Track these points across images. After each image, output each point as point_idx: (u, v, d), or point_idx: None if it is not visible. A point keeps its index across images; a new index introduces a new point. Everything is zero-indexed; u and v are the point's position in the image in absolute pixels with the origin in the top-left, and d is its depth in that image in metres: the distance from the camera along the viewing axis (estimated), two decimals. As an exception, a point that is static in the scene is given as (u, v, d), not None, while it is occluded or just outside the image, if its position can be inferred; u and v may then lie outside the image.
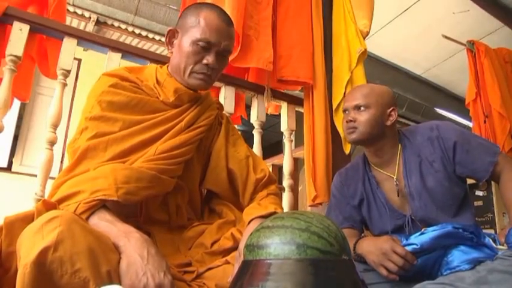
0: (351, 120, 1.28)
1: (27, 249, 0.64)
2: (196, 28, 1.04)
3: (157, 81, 1.09)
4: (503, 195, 1.20)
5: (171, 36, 1.09)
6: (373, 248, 1.12)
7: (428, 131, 1.27)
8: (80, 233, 0.68)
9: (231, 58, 1.67)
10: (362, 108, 1.27)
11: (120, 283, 0.71)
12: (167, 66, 1.13)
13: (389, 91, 1.35)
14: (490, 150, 1.23)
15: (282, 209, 1.09)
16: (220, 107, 1.27)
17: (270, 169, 2.84)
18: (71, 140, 0.99)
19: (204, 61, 1.05)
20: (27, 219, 0.74)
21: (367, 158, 1.39)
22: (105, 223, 0.80)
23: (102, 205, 0.83)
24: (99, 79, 1.07)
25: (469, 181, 2.63)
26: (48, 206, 0.80)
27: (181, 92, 1.07)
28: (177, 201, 1.07)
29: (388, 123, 1.29)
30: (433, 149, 1.24)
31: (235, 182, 1.14)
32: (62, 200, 0.84)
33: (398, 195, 1.28)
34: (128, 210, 0.93)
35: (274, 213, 0.99)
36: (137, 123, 1.00)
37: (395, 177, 1.29)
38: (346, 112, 1.33)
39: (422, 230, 1.16)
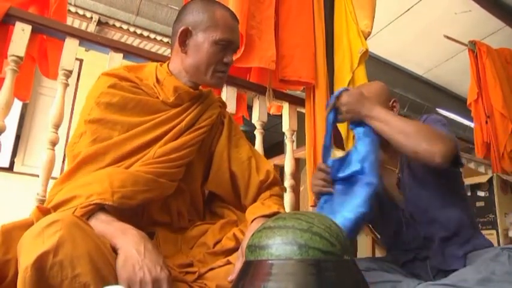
0: None
1: (27, 253, 0.63)
2: (214, 27, 1.04)
3: (157, 80, 1.07)
4: None
5: (185, 35, 1.06)
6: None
7: None
8: (80, 237, 0.67)
9: (233, 58, 1.68)
10: None
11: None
12: (167, 65, 1.11)
13: (383, 86, 1.36)
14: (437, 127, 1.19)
15: (285, 210, 1.08)
16: (223, 105, 1.24)
17: (272, 169, 2.85)
18: (69, 142, 0.98)
19: (225, 60, 1.06)
20: (24, 227, 0.73)
21: None
22: (102, 224, 0.80)
23: (100, 208, 0.83)
24: (98, 79, 1.05)
25: (471, 181, 2.63)
26: (44, 212, 0.80)
27: (181, 91, 1.06)
28: (178, 204, 1.06)
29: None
30: None
31: (237, 184, 1.13)
32: (58, 206, 0.83)
33: (399, 188, 1.29)
34: (129, 212, 0.93)
35: (278, 213, 0.99)
36: (137, 126, 0.99)
37: (397, 171, 1.30)
38: None
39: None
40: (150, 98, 1.05)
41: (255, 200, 1.11)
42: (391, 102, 1.34)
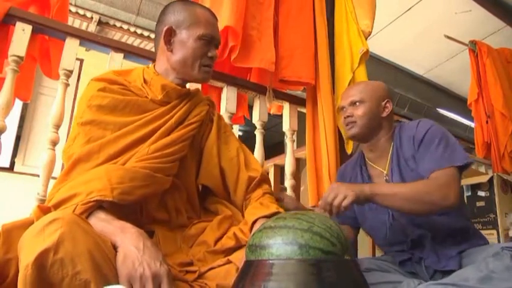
0: (348, 116, 1.31)
1: (28, 251, 0.64)
2: (197, 24, 1.11)
3: (145, 81, 1.11)
4: None
5: (169, 34, 1.11)
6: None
7: (411, 130, 1.26)
8: (80, 234, 0.68)
9: (233, 58, 1.68)
10: (357, 103, 1.30)
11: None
12: (154, 66, 1.16)
13: (382, 85, 1.37)
14: (442, 159, 1.14)
15: (282, 208, 1.09)
16: (211, 104, 1.27)
17: (272, 169, 2.85)
18: (65, 146, 1.01)
19: (209, 54, 1.12)
20: (24, 226, 0.74)
21: (364, 153, 1.41)
22: (101, 223, 0.81)
23: (98, 206, 0.84)
24: (88, 85, 1.08)
25: (471, 181, 2.62)
26: (44, 210, 0.81)
27: (168, 89, 1.10)
28: (175, 200, 1.08)
29: (384, 114, 1.32)
30: (409, 147, 1.24)
31: (226, 180, 1.16)
32: (58, 204, 0.84)
33: None
34: (128, 210, 0.94)
35: (277, 213, 1.00)
36: (128, 124, 1.02)
37: (385, 172, 1.29)
38: (344, 109, 1.35)
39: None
40: (140, 97, 1.08)
41: (244, 197, 1.13)
42: (384, 102, 1.32)
